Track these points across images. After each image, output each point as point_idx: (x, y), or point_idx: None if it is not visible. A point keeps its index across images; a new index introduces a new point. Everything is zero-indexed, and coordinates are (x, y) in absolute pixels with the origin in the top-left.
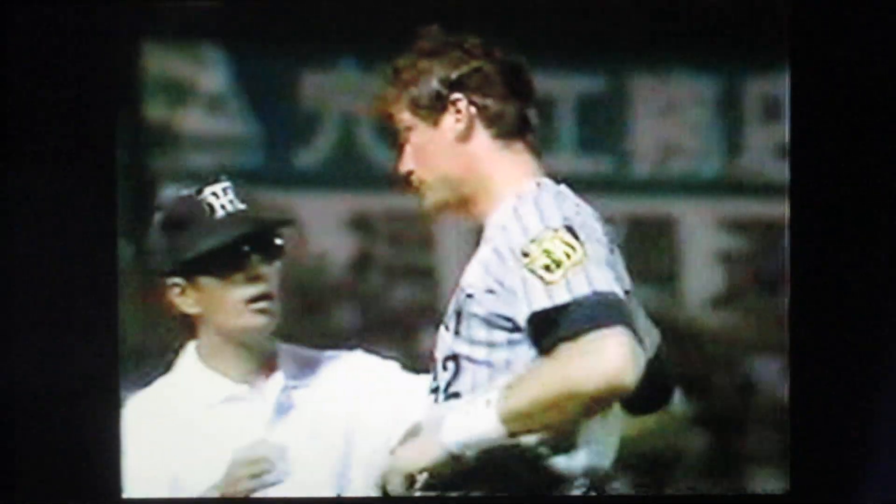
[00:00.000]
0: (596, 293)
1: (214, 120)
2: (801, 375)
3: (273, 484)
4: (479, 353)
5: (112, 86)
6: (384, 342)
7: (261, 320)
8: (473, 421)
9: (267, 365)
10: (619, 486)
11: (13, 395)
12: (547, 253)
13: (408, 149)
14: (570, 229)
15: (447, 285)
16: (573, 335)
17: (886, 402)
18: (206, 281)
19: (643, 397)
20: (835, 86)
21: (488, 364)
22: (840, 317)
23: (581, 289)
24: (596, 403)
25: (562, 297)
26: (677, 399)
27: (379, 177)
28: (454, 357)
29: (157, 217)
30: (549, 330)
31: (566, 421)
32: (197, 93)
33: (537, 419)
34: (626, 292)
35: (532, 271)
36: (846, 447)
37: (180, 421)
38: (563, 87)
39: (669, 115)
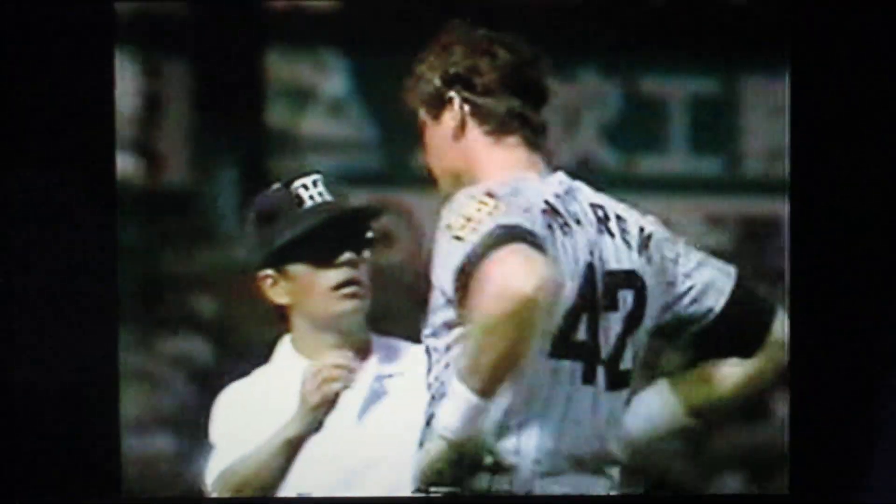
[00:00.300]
0: (499, 226)
1: (335, 123)
2: (801, 375)
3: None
4: (440, 341)
5: (112, 85)
6: None
7: (349, 305)
8: (452, 400)
9: (360, 354)
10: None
11: (13, 395)
12: (463, 216)
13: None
14: (489, 193)
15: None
16: (477, 267)
17: (886, 403)
18: (295, 269)
19: (739, 339)
20: (836, 86)
21: (447, 348)
22: (840, 317)
23: (487, 228)
24: (517, 323)
25: (471, 242)
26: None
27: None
28: (427, 350)
29: (251, 213)
30: (465, 278)
31: (512, 355)
32: (318, 97)
33: (486, 365)
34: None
35: (455, 237)
36: (846, 447)
37: (275, 411)
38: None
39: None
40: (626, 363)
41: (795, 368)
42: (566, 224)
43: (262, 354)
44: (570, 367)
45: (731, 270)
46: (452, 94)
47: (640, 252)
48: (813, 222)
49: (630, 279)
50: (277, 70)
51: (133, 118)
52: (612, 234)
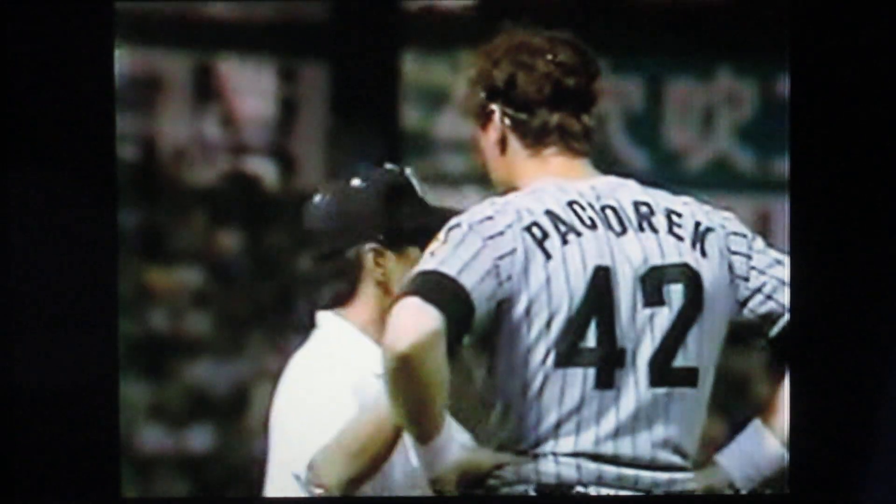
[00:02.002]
0: (418, 274)
1: (467, 124)
2: (801, 375)
3: None
4: None
5: (112, 85)
6: None
7: None
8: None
9: None
10: None
11: (13, 395)
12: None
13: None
14: (452, 227)
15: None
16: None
17: (887, 402)
18: (411, 252)
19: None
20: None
21: None
22: (840, 315)
23: (410, 274)
24: (399, 379)
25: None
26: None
27: (630, 175)
28: None
29: (363, 184)
30: None
31: (415, 406)
32: (452, 98)
33: (402, 417)
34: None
35: None
36: (846, 447)
37: (333, 391)
38: None
39: None
40: (688, 361)
41: (795, 368)
42: (571, 231)
43: None
44: (583, 373)
45: None
46: (494, 107)
47: (693, 245)
48: (814, 220)
49: (679, 273)
50: (412, 72)
51: (270, 122)
52: (655, 230)
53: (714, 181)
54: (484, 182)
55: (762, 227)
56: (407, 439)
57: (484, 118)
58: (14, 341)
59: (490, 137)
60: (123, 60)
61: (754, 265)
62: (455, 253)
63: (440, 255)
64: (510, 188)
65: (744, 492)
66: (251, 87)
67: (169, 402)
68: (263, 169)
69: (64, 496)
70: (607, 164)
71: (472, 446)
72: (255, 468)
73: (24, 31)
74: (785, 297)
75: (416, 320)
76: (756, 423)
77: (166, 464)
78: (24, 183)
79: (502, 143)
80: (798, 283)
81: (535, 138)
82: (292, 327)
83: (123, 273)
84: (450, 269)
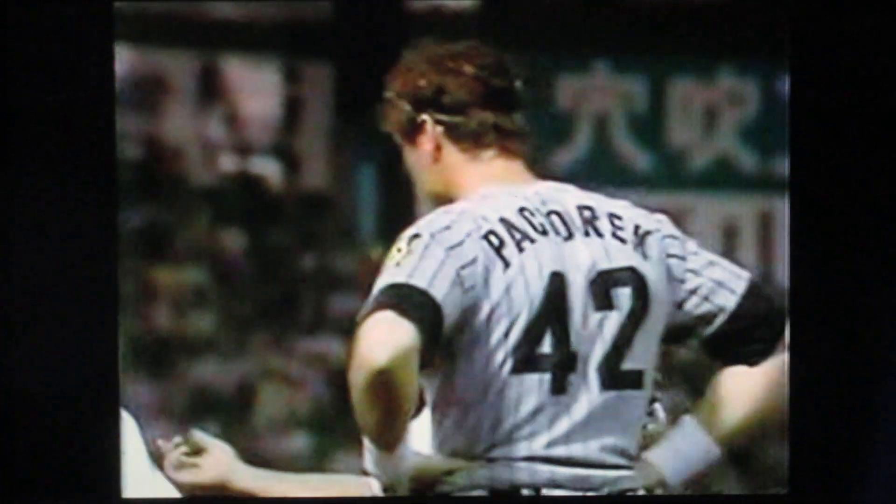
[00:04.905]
0: (386, 287)
1: None
2: (801, 375)
3: None
4: None
5: (112, 85)
6: None
7: None
8: (367, 448)
9: None
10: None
11: (13, 396)
12: (385, 263)
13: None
14: (413, 237)
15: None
16: (357, 329)
17: (887, 403)
18: None
19: (747, 348)
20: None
21: None
22: (840, 316)
23: (379, 286)
24: (373, 392)
25: (370, 297)
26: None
27: (632, 175)
28: None
29: None
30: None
31: (387, 418)
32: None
33: (370, 428)
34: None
35: None
36: (846, 447)
37: None
38: None
39: None
40: (635, 363)
41: (795, 368)
42: (525, 238)
43: None
44: (539, 379)
45: (744, 273)
46: (424, 117)
47: (636, 248)
48: (814, 220)
49: (626, 276)
50: None
51: (273, 122)
52: (600, 234)
53: (716, 181)
54: None
55: (764, 227)
56: (367, 448)
57: (414, 130)
58: (14, 341)
59: (423, 148)
60: (128, 60)
61: (689, 267)
62: (421, 264)
63: (406, 267)
64: (445, 201)
65: (674, 488)
66: (255, 87)
67: (174, 400)
68: (267, 168)
69: (64, 496)
70: (610, 164)
71: (424, 452)
72: (260, 465)
73: (25, 32)
74: (721, 297)
75: (392, 335)
76: (687, 420)
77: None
78: (23, 182)
79: (437, 152)
80: (798, 283)
81: (473, 140)
82: (296, 326)
83: (127, 272)
84: (420, 282)
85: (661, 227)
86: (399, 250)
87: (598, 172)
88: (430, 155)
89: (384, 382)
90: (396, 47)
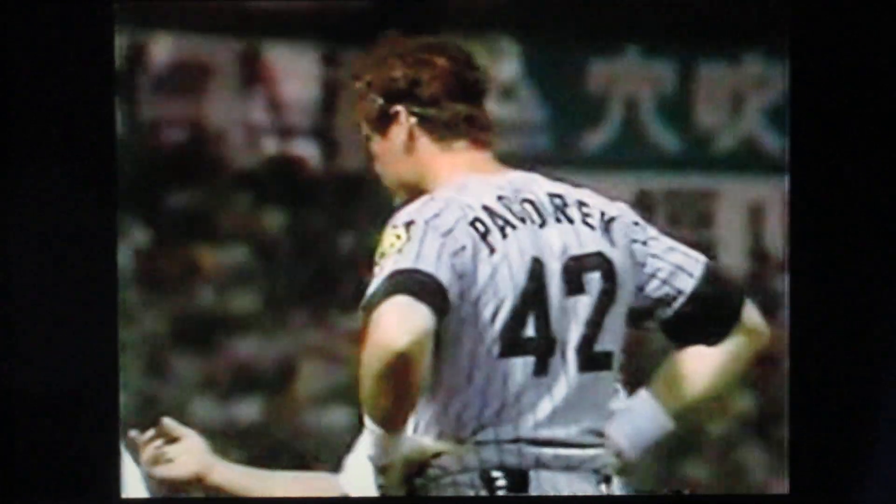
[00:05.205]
0: (394, 272)
1: (508, 106)
2: (801, 375)
3: None
4: None
5: (112, 84)
6: None
7: None
8: (367, 430)
9: None
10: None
11: (13, 395)
12: (381, 250)
13: (373, 156)
14: (409, 224)
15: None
16: (365, 318)
17: (886, 402)
18: None
19: (703, 331)
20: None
21: None
22: (840, 317)
23: (384, 273)
24: (394, 376)
25: (374, 283)
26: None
27: (660, 158)
28: None
29: None
30: (365, 318)
31: (399, 400)
32: (492, 81)
33: (379, 410)
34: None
35: (374, 272)
36: (846, 447)
37: None
38: None
39: None
40: (605, 345)
41: (795, 368)
42: (507, 225)
43: None
44: (523, 362)
45: (701, 258)
46: (398, 108)
47: (602, 234)
48: (814, 212)
49: (596, 261)
50: None
51: (313, 106)
52: (571, 221)
53: (743, 163)
54: (525, 162)
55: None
56: (369, 429)
57: (386, 121)
58: (14, 342)
59: (395, 139)
60: (173, 48)
61: (650, 251)
62: (422, 250)
63: (410, 253)
64: (415, 190)
65: (630, 458)
66: (295, 72)
67: (217, 376)
68: (307, 150)
69: (63, 496)
70: (640, 145)
71: (412, 435)
72: (303, 439)
73: (25, 29)
74: (679, 281)
75: (411, 319)
76: (643, 394)
77: (216, 435)
78: (24, 183)
79: (411, 142)
80: (798, 283)
81: (445, 130)
82: (335, 304)
83: (171, 252)
84: (427, 266)
85: (623, 213)
86: (399, 237)
87: (629, 154)
88: (403, 145)
89: (403, 365)
90: (432, 31)
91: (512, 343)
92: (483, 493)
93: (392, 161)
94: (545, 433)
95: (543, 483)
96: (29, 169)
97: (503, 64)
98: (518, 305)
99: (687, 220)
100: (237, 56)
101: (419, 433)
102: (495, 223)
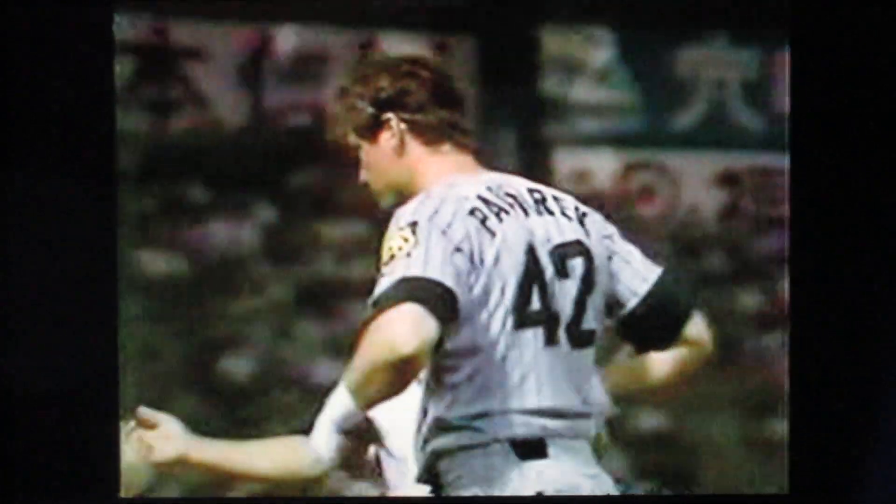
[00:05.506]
0: (404, 279)
1: (602, 90)
2: (801, 374)
3: None
4: None
5: (112, 83)
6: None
7: None
8: (337, 401)
9: None
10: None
11: (13, 395)
12: (389, 249)
13: (361, 163)
14: (413, 224)
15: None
16: (375, 315)
17: (886, 402)
18: None
19: (650, 335)
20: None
21: None
22: (840, 316)
23: (395, 276)
24: (393, 372)
25: (382, 286)
26: (695, 332)
27: (745, 137)
28: None
29: None
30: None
31: (391, 390)
32: (587, 67)
33: (369, 395)
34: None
35: (380, 272)
36: (846, 447)
37: None
38: None
39: None
40: (589, 323)
41: (795, 367)
42: (501, 210)
43: None
44: (533, 333)
45: (656, 267)
46: (389, 115)
47: (579, 225)
48: (815, 212)
49: (577, 249)
50: (551, 44)
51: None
52: (551, 213)
53: None
54: (618, 142)
55: None
56: (340, 400)
57: (376, 129)
58: (14, 342)
59: (385, 145)
60: (295, 38)
61: (615, 249)
62: (430, 253)
63: (418, 258)
64: (405, 192)
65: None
66: None
67: (338, 339)
68: None
69: (63, 496)
70: (726, 127)
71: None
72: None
73: (25, 29)
74: (636, 283)
75: (420, 329)
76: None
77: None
78: (24, 183)
79: (401, 146)
80: (798, 283)
81: (433, 134)
82: None
83: (296, 226)
84: (435, 273)
85: (593, 211)
86: (406, 239)
87: (715, 135)
88: (394, 150)
89: (407, 367)
90: (535, 20)
91: (521, 316)
92: (512, 458)
93: (383, 165)
94: (548, 403)
95: (559, 451)
96: (28, 169)
97: (598, 51)
98: (522, 281)
99: (769, 196)
100: (355, 46)
101: (439, 413)
102: (491, 210)
